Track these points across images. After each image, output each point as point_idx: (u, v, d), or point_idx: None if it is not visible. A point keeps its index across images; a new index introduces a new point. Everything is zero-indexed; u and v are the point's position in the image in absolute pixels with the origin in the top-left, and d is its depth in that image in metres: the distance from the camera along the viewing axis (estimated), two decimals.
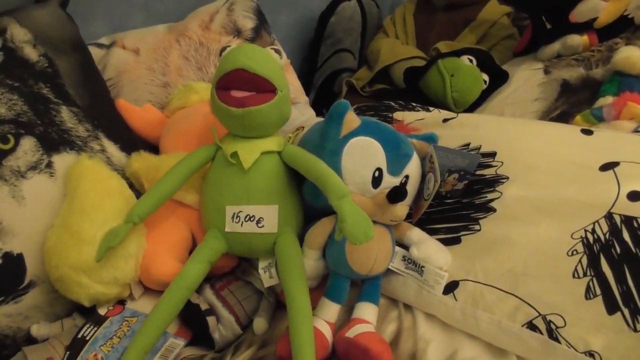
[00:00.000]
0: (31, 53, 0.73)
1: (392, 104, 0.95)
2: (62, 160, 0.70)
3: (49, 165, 0.68)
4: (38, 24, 0.76)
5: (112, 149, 0.76)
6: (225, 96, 0.61)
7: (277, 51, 0.66)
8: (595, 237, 0.56)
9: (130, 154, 0.76)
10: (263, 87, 0.60)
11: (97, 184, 0.67)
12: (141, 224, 0.65)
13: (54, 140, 0.70)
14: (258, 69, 0.59)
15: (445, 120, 0.81)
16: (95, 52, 0.91)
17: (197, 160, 0.66)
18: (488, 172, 0.68)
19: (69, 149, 0.71)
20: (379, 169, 0.60)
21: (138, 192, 0.74)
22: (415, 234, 0.65)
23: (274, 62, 0.63)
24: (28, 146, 0.67)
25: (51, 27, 0.77)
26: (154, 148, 0.82)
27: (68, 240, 0.63)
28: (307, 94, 1.26)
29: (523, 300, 0.56)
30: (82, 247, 0.62)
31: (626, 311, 0.51)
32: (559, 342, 0.52)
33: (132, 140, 0.81)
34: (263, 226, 0.63)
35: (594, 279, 0.54)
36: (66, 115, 0.73)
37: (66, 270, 0.62)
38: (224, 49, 0.64)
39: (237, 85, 0.60)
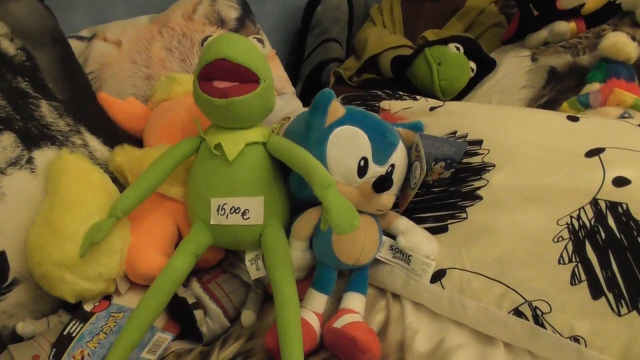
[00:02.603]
0: (8, 47, 0.71)
1: (379, 93, 0.94)
2: (43, 155, 0.68)
3: (30, 161, 0.67)
4: (15, 16, 0.74)
5: (95, 143, 0.75)
6: (207, 87, 0.60)
7: (259, 40, 0.65)
8: (581, 223, 0.57)
9: (114, 147, 0.75)
10: (246, 77, 0.59)
11: (79, 179, 0.66)
12: (125, 218, 0.64)
13: (34, 136, 0.68)
14: (240, 59, 0.58)
15: (432, 109, 0.81)
16: (76, 45, 0.90)
17: (181, 153, 0.65)
18: (474, 160, 0.68)
19: (49, 144, 0.69)
20: (365, 158, 0.60)
21: (122, 186, 0.73)
22: (402, 223, 0.64)
23: (257, 52, 0.62)
24: (7, 142, 0.66)
25: (29, 19, 0.75)
26: (137, 141, 0.81)
27: (51, 236, 0.62)
28: (295, 85, 1.25)
29: (509, 287, 0.56)
30: (65, 243, 0.61)
31: (610, 296, 0.52)
32: (544, 327, 0.53)
33: (115, 134, 0.79)
34: (249, 218, 0.62)
35: (579, 264, 0.54)
36: (46, 110, 0.71)
37: (49, 267, 0.61)
38: (205, 39, 0.62)
39: (219, 76, 0.59)
